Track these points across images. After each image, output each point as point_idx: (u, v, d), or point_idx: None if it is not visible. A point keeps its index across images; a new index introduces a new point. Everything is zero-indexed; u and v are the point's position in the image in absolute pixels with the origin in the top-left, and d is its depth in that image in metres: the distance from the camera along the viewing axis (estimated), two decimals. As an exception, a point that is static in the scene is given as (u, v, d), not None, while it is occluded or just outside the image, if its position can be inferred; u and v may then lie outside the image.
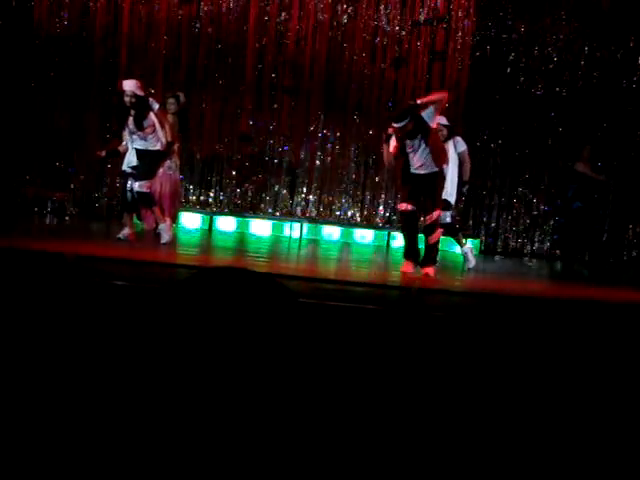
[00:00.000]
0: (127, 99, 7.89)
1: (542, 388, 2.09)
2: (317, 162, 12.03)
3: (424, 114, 7.27)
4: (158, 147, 8.04)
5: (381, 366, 2.74)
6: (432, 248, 7.40)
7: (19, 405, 1.30)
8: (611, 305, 5.43)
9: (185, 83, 11.53)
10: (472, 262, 8.44)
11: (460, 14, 11.72)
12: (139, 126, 7.92)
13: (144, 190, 8.01)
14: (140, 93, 7.92)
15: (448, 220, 8.23)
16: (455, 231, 8.61)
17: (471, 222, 12.11)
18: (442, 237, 7.94)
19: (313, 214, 12.09)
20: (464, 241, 8.67)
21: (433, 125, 7.37)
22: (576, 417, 1.99)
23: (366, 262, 7.94)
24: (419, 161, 7.32)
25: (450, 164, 7.85)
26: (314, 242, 11.24)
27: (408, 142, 7.29)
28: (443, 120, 7.98)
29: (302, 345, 1.16)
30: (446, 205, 7.95)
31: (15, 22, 11.44)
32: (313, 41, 11.85)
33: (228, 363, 1.09)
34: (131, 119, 7.96)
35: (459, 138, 8.32)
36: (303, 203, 12.10)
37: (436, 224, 7.33)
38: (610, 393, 2.06)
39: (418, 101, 7.39)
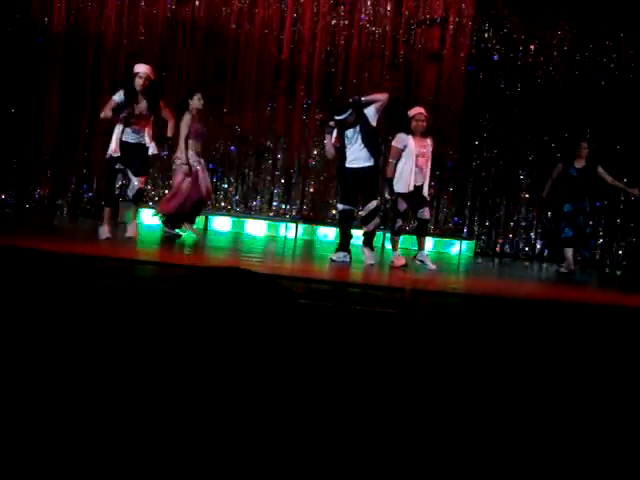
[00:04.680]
0: (141, 81, 7.73)
1: (533, 389, 2.11)
2: (312, 162, 12.01)
3: (366, 111, 7.71)
4: (148, 141, 7.94)
5: (375, 366, 2.75)
6: (370, 235, 7.95)
7: (16, 399, 1.31)
8: (605, 308, 5.46)
9: (178, 81, 11.53)
10: (431, 266, 8.12)
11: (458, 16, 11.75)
12: (154, 108, 7.86)
13: (142, 186, 8.04)
14: (153, 78, 7.89)
15: (426, 216, 8.15)
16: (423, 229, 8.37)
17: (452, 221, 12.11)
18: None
19: (308, 214, 12.08)
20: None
21: (374, 123, 7.78)
22: (569, 416, 2.01)
23: (359, 262, 7.96)
24: (352, 154, 7.75)
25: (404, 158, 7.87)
26: (309, 242, 11.23)
27: (346, 134, 7.74)
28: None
29: (300, 345, 1.17)
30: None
31: (18, 18, 11.38)
32: (311, 40, 11.85)
33: (227, 363, 1.10)
34: (144, 103, 7.81)
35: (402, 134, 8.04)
36: (298, 203, 12.09)
37: (375, 213, 7.85)
38: (604, 395, 2.07)
39: (363, 98, 7.80)
